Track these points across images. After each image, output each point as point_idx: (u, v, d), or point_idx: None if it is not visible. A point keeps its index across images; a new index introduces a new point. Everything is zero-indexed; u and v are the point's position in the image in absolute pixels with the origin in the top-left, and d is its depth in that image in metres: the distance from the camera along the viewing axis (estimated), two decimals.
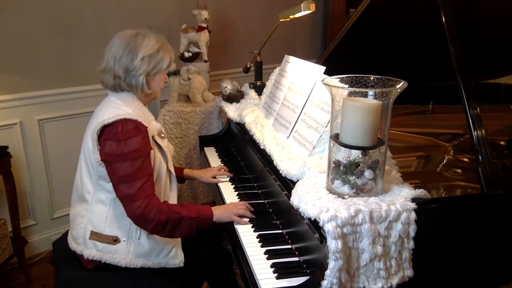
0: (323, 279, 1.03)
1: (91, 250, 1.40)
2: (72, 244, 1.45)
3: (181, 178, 1.86)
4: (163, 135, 1.50)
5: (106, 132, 1.33)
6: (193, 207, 1.44)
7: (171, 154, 1.60)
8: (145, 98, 1.48)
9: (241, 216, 1.51)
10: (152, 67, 1.41)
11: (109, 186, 1.38)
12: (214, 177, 1.90)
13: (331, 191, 1.17)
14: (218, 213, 1.49)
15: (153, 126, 1.46)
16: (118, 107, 1.38)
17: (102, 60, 1.43)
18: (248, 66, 2.52)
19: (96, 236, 1.40)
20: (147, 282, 1.40)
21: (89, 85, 2.59)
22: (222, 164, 2.02)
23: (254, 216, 1.53)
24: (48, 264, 2.14)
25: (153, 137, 1.43)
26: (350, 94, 1.11)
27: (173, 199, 1.53)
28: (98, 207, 1.41)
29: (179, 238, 1.49)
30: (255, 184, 1.80)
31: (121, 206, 1.36)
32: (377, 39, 2.13)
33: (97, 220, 1.41)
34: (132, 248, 1.39)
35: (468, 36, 1.49)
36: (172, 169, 1.52)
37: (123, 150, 1.31)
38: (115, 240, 1.39)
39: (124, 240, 1.39)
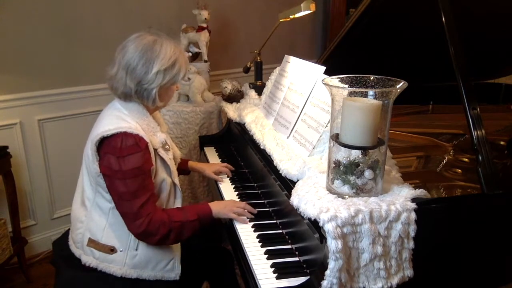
0: (323, 279, 1.03)
1: (88, 257, 1.39)
2: (72, 247, 1.45)
3: (185, 170, 1.86)
4: (167, 147, 1.45)
5: (106, 145, 1.30)
6: (192, 208, 1.43)
7: (178, 161, 1.58)
8: (154, 108, 1.44)
9: (238, 215, 1.51)
10: (167, 81, 1.36)
11: (109, 196, 1.36)
12: (217, 174, 1.90)
13: (331, 191, 1.17)
14: (216, 209, 1.47)
15: (157, 138, 1.41)
16: (122, 117, 1.34)
17: (113, 65, 1.37)
18: (248, 66, 2.52)
19: (93, 244, 1.39)
20: (147, 282, 1.40)
21: (89, 85, 2.59)
22: (229, 165, 1.97)
23: (252, 216, 1.52)
24: (48, 264, 2.15)
25: (156, 150, 1.39)
26: (350, 94, 1.11)
27: None
28: (96, 215, 1.40)
29: (179, 250, 1.48)
30: (255, 184, 1.80)
31: (120, 216, 1.35)
32: (377, 39, 2.13)
33: (95, 228, 1.39)
34: (129, 259, 1.37)
35: (468, 36, 1.49)
36: (176, 180, 1.48)
37: (122, 167, 1.27)
38: (112, 250, 1.37)
39: (121, 251, 1.37)
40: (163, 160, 1.42)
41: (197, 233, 1.41)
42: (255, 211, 1.55)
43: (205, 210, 1.46)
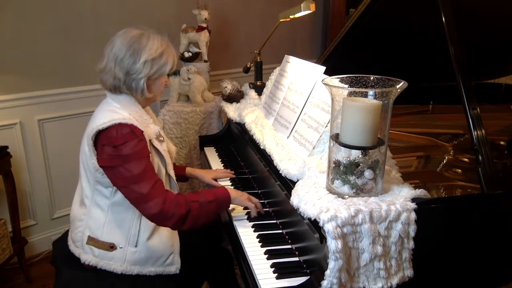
0: (323, 279, 1.03)
1: (88, 255, 1.39)
2: (72, 247, 1.45)
3: (183, 177, 1.85)
4: (161, 139, 1.47)
5: (102, 138, 1.31)
6: (209, 191, 1.43)
7: (173, 155, 1.59)
8: (144, 101, 1.45)
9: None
10: (154, 71, 1.38)
11: (107, 191, 1.37)
12: (216, 180, 1.89)
13: (331, 191, 1.17)
14: (234, 194, 1.48)
15: (151, 130, 1.42)
16: (114, 111, 1.36)
17: (102, 59, 1.39)
18: (248, 66, 2.52)
19: (93, 241, 1.39)
20: (147, 282, 1.40)
21: (89, 85, 2.59)
22: (229, 170, 1.97)
23: (256, 216, 1.53)
24: (48, 264, 2.14)
25: (150, 141, 1.39)
26: (350, 94, 1.11)
27: None
28: (95, 213, 1.40)
29: (178, 245, 1.47)
30: (255, 184, 1.80)
31: (119, 213, 1.35)
32: (377, 39, 2.13)
33: (94, 226, 1.40)
34: (129, 256, 1.38)
35: (468, 36, 1.49)
36: (171, 173, 1.48)
37: (122, 153, 1.28)
38: (111, 247, 1.37)
39: (121, 247, 1.38)
40: (157, 151, 1.42)
41: (212, 220, 1.40)
42: (263, 211, 1.55)
43: (223, 192, 1.45)
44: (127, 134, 1.30)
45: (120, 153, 1.28)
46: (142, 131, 1.34)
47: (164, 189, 1.33)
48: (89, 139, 1.32)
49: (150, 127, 1.43)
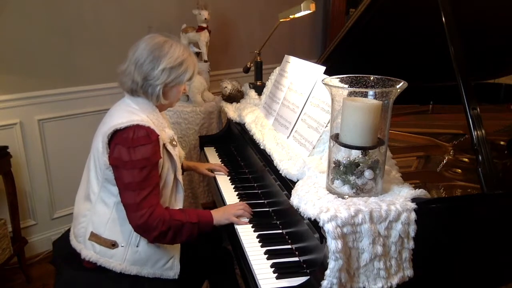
0: (323, 279, 1.03)
1: (89, 251, 1.39)
2: (73, 242, 1.45)
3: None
4: (174, 143, 1.49)
5: (118, 137, 1.32)
6: (194, 212, 1.43)
7: (182, 160, 1.61)
8: (160, 106, 1.47)
9: (239, 217, 1.51)
10: (172, 79, 1.40)
11: (115, 189, 1.37)
12: (211, 171, 1.93)
13: (331, 191, 1.17)
14: (217, 216, 1.48)
15: (166, 134, 1.44)
16: (133, 112, 1.37)
17: (124, 61, 1.42)
18: (248, 66, 2.52)
19: (95, 237, 1.39)
20: (147, 282, 1.40)
21: (89, 85, 2.59)
22: (222, 164, 2.03)
23: (252, 217, 1.52)
24: (48, 264, 2.15)
25: (164, 145, 1.41)
26: (350, 94, 1.11)
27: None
28: (101, 209, 1.41)
29: (179, 249, 1.48)
30: (255, 184, 1.80)
31: (124, 211, 1.35)
32: (377, 39, 2.13)
33: (98, 222, 1.40)
34: (129, 255, 1.38)
35: (468, 36, 1.49)
36: (180, 177, 1.50)
37: (131, 157, 1.30)
38: (113, 245, 1.38)
39: (122, 246, 1.38)
40: (170, 155, 1.44)
41: (194, 239, 1.42)
42: (252, 211, 1.55)
43: (207, 215, 1.46)
44: (142, 137, 1.32)
45: (131, 156, 1.30)
46: (158, 136, 1.36)
47: (156, 201, 1.34)
48: (104, 136, 1.33)
49: (165, 131, 1.45)
